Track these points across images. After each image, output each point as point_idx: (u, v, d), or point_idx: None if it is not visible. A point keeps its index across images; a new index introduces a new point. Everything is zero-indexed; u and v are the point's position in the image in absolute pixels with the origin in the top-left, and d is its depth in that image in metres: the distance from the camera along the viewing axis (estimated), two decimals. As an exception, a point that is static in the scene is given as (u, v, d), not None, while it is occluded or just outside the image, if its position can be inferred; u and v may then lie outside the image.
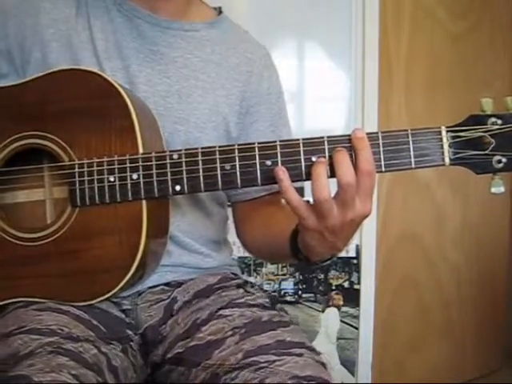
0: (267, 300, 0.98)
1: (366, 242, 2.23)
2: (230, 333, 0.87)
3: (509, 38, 2.38)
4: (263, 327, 0.87)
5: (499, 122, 0.81)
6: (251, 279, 2.18)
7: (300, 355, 0.81)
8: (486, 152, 0.82)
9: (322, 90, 2.19)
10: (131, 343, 0.95)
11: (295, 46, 2.21)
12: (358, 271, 2.24)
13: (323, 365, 0.82)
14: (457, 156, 0.82)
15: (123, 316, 0.99)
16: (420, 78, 2.24)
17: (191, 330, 0.92)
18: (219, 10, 1.14)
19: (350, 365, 2.26)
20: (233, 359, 0.81)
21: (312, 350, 0.84)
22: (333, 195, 0.80)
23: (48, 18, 1.01)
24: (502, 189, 0.83)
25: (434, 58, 2.24)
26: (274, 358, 0.79)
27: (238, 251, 2.11)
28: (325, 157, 0.82)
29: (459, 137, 0.82)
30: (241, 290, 1.01)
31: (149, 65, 1.02)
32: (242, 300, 0.96)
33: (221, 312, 0.93)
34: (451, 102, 2.09)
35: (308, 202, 0.82)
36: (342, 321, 2.25)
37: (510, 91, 0.76)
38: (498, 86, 2.23)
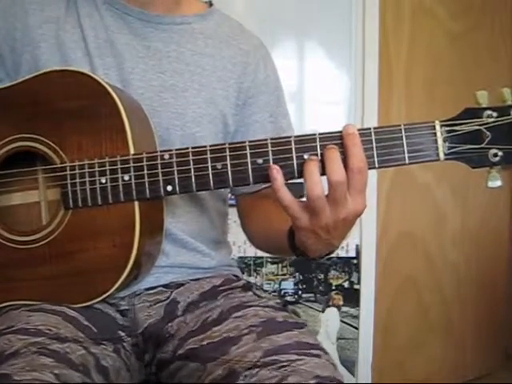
0: (278, 301, 0.97)
1: (366, 241, 2.23)
2: (246, 331, 0.86)
3: (509, 38, 2.38)
4: (279, 327, 0.86)
5: (495, 114, 0.80)
6: (251, 279, 2.18)
7: (318, 356, 0.80)
8: (482, 145, 0.80)
9: (322, 90, 2.19)
10: (124, 344, 0.95)
11: (295, 46, 2.22)
12: (358, 271, 2.25)
13: (336, 367, 0.82)
14: (452, 151, 0.80)
15: (119, 317, 0.99)
16: (420, 78, 2.24)
17: (203, 327, 0.91)
18: (210, 3, 1.13)
19: (350, 365, 2.26)
20: (251, 356, 0.80)
21: (326, 352, 0.84)
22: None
23: (37, 19, 1.01)
24: (499, 183, 0.81)
25: (433, 58, 2.25)
26: (295, 357, 0.78)
27: (239, 251, 2.12)
28: (317, 154, 0.81)
29: (454, 131, 0.80)
30: (250, 293, 1.00)
31: (142, 60, 1.02)
32: (254, 302, 0.95)
33: (233, 312, 0.92)
34: (451, 102, 2.07)
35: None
36: (342, 321, 2.26)
37: (510, 91, 0.76)
38: (498, 86, 2.22)
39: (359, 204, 0.80)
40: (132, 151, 0.88)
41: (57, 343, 0.79)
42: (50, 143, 0.90)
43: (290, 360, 0.78)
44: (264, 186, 1.07)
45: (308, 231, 0.83)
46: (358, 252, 2.24)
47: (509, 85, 0.81)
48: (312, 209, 0.80)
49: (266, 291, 1.06)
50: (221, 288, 1.02)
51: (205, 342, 0.88)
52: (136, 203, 0.88)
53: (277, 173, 0.81)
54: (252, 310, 0.92)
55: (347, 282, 2.26)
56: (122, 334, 0.96)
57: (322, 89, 2.19)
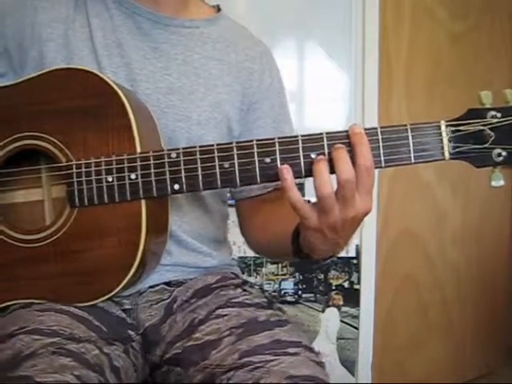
0: (265, 300, 0.98)
1: (365, 241, 2.23)
2: (226, 333, 0.87)
3: (509, 37, 2.38)
4: (260, 327, 0.87)
5: (499, 115, 0.81)
6: (251, 279, 2.18)
7: (295, 354, 0.81)
8: (486, 145, 0.81)
9: (322, 90, 2.19)
10: (133, 343, 0.95)
11: (295, 46, 2.22)
12: (358, 271, 2.25)
13: (320, 364, 0.82)
14: (456, 150, 0.81)
15: (124, 316, 0.99)
16: (420, 78, 2.24)
17: (189, 329, 0.92)
18: (218, 8, 1.14)
19: (350, 365, 2.26)
20: (229, 359, 0.81)
21: (309, 348, 0.84)
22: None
23: (46, 17, 1.01)
24: (502, 182, 0.82)
25: (433, 58, 2.25)
26: (270, 357, 0.79)
27: (239, 251, 2.12)
28: (324, 154, 0.82)
29: (459, 131, 0.81)
30: (239, 290, 1.01)
31: (149, 62, 1.02)
32: (240, 299, 0.96)
33: (218, 311, 0.93)
34: (451, 102, 2.08)
35: (309, 201, 0.82)
36: (342, 321, 2.26)
37: (510, 91, 0.78)
38: (498, 86, 2.22)
39: (367, 203, 0.81)
40: (139, 150, 0.88)
41: (72, 343, 0.80)
42: (56, 141, 0.90)
43: (264, 361, 0.78)
44: (266, 190, 1.08)
45: (316, 231, 0.83)
46: (358, 252, 2.24)
47: (509, 84, 0.82)
48: (321, 208, 0.80)
49: (263, 290, 1.06)
50: (214, 285, 1.03)
51: (187, 345, 0.89)
52: (142, 202, 0.88)
53: (287, 172, 0.81)
54: (236, 310, 0.92)
55: (347, 282, 2.26)
56: (132, 332, 0.97)
57: (322, 88, 2.19)
